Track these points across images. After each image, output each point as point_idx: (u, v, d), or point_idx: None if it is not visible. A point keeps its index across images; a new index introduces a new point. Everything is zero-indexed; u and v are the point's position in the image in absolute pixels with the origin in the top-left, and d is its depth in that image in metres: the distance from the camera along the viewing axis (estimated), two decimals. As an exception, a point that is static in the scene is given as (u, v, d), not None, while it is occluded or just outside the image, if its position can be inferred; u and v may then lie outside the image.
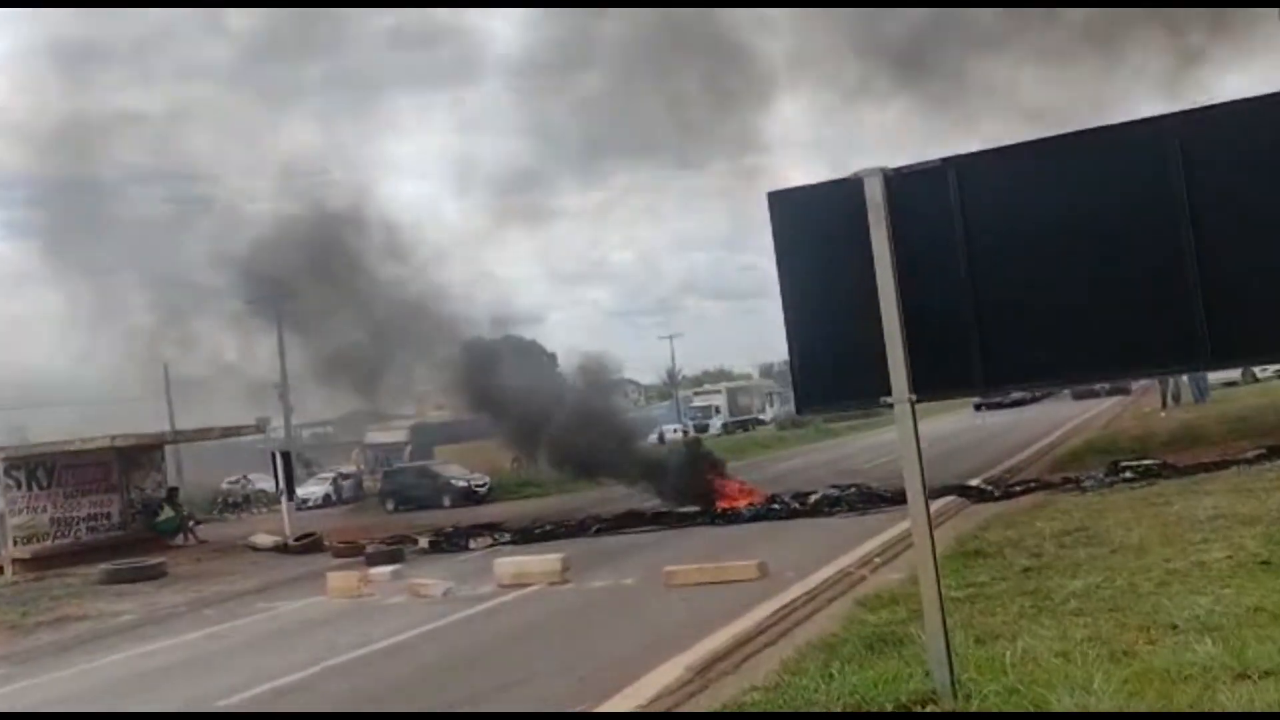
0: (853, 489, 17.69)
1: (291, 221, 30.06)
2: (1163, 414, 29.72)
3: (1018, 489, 16.07)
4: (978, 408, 49.98)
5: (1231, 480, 13.04)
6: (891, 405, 5.87)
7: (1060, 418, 35.04)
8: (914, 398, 5.81)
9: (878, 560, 11.60)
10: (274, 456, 25.65)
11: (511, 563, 13.84)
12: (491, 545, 19.00)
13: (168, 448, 27.98)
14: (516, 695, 8.02)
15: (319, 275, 29.45)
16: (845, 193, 5.94)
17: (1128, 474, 15.16)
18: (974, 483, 17.51)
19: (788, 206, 6.18)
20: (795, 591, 10.17)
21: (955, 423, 43.74)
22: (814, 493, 18.06)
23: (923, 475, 5.90)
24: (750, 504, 17.97)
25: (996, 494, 16.05)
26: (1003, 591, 8.73)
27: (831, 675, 6.65)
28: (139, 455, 24.75)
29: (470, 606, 12.33)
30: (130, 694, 9.95)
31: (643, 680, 7.68)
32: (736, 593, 10.83)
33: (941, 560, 10.76)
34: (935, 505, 15.22)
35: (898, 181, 5.82)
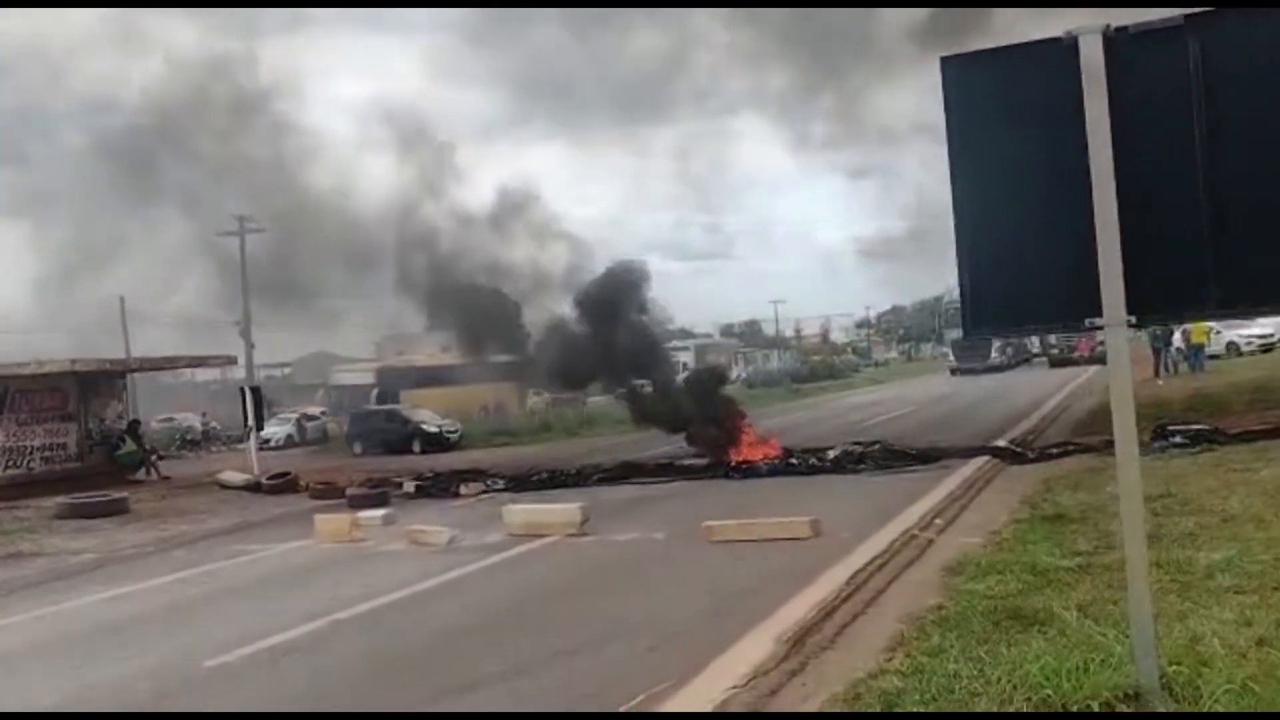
0: (877, 445, 16.65)
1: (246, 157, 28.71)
2: (1160, 383, 29.06)
3: (1054, 451, 15.11)
4: (953, 372, 49.53)
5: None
6: (1099, 328, 4.71)
7: (1050, 384, 34.35)
8: (1132, 319, 4.63)
9: (939, 522, 10.53)
10: (243, 392, 24.35)
11: (524, 510, 12.62)
12: (484, 492, 17.78)
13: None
14: (580, 664, 6.84)
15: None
16: (1045, 59, 4.71)
17: (1178, 439, 14.22)
18: (1001, 443, 16.56)
19: (966, 76, 4.91)
20: (864, 554, 9.07)
21: (938, 385, 43.13)
22: (831, 449, 16.99)
23: (1134, 423, 4.73)
24: (766, 458, 16.84)
25: (1031, 455, 15.10)
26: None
27: (981, 658, 5.57)
28: (99, 383, 23.13)
29: (485, 556, 11.11)
30: (102, 647, 8.64)
31: (729, 654, 6.55)
32: (791, 552, 9.74)
33: (1021, 524, 9.83)
34: (972, 465, 14.28)
35: (1120, 45, 4.59)
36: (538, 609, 8.73)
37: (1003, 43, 5.16)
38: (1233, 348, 37.45)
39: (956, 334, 50.33)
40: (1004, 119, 4.91)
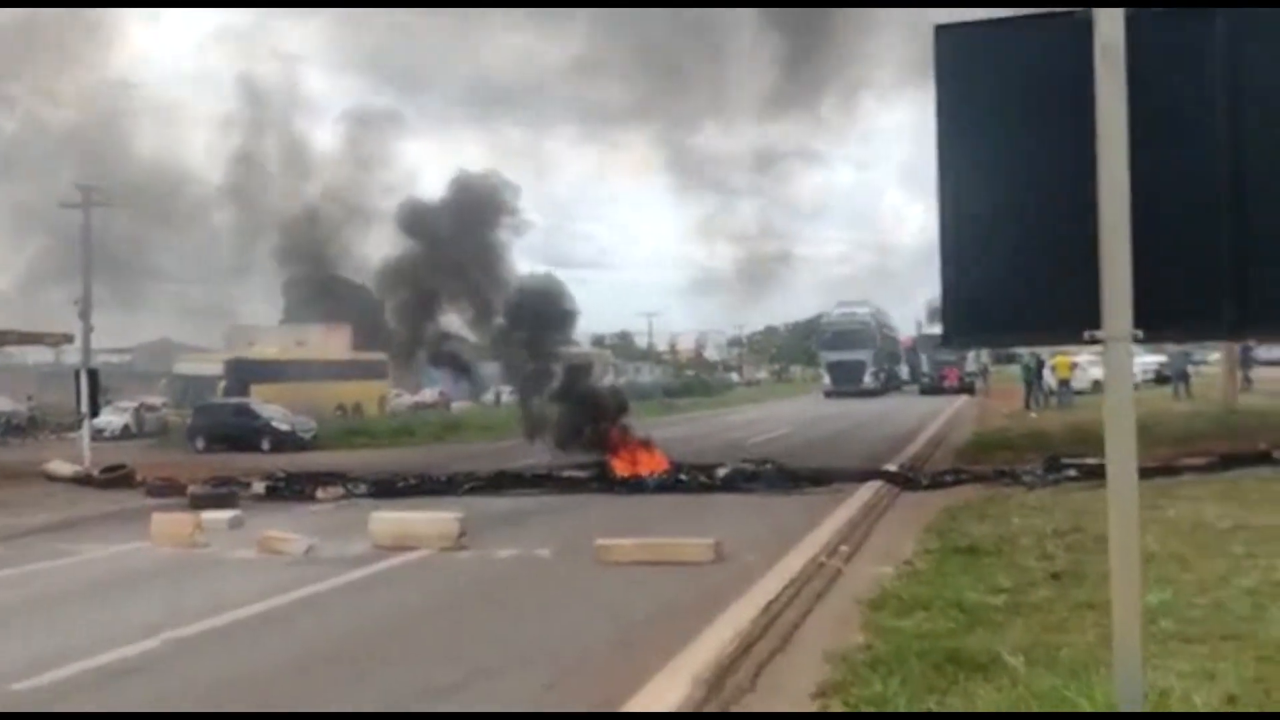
0: (769, 465, 16.10)
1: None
2: (1033, 415, 29.62)
3: (948, 479, 14.83)
4: (828, 394, 49.98)
5: (1209, 487, 12.06)
6: (1098, 341, 4.06)
7: (924, 411, 34.79)
8: (1139, 334, 3.99)
9: (845, 549, 9.94)
10: (77, 375, 22.36)
11: (392, 520, 11.48)
12: (345, 497, 16.50)
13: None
14: (465, 702, 5.89)
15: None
16: (1055, 34, 4.09)
17: (1071, 471, 14.10)
18: (892, 468, 16.24)
19: (963, 49, 4.24)
20: (773, 582, 8.36)
21: (813, 406, 43.34)
22: (722, 466, 16.36)
23: (1133, 454, 4.10)
24: (654, 473, 16.08)
25: (924, 482, 14.78)
26: (1049, 602, 7.19)
27: (931, 709, 4.92)
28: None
29: (348, 570, 9.96)
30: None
31: (642, 695, 5.72)
32: (694, 577, 8.98)
33: (934, 555, 9.31)
34: (868, 489, 13.84)
35: (1138, 26, 3.96)
36: (412, 634, 7.71)
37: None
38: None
39: (832, 355, 50.92)
40: (1004, 102, 4.24)
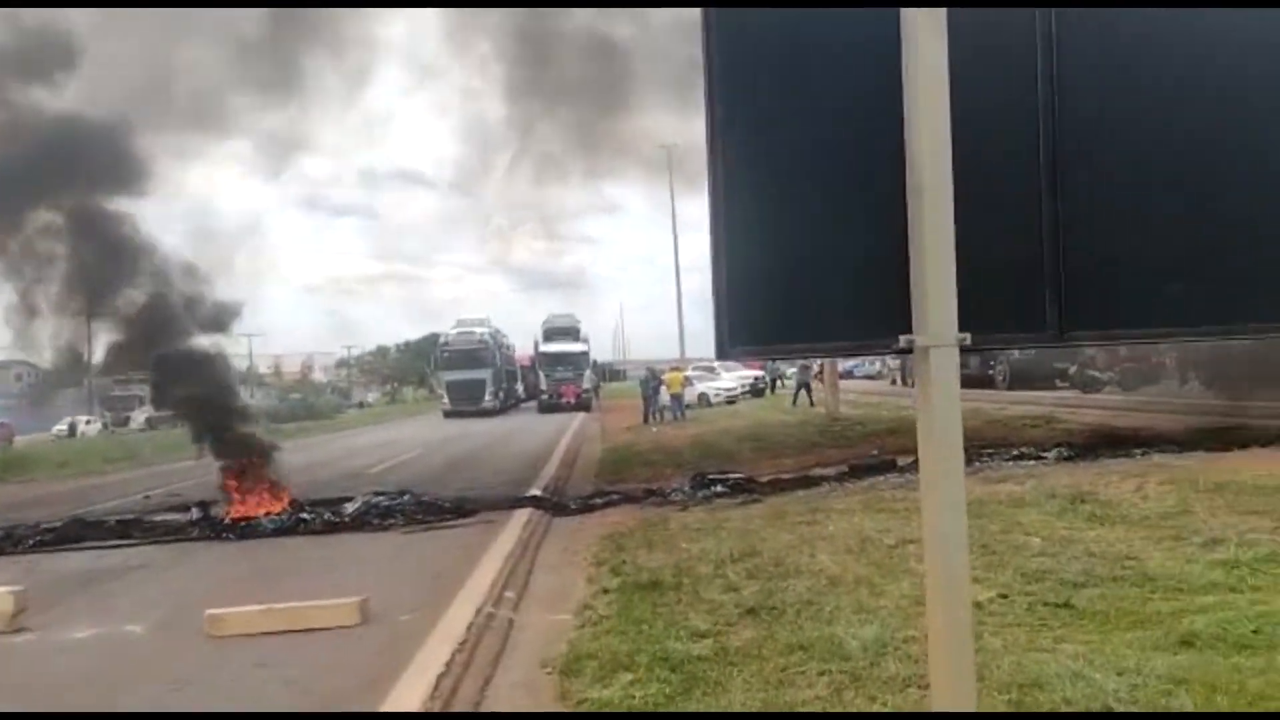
0: (405, 496, 14.47)
1: None
2: (654, 430, 30.17)
3: (598, 501, 14.09)
4: (447, 415, 48.68)
5: (852, 498, 12.14)
6: (906, 352, 3.37)
7: (549, 429, 34.48)
8: (965, 339, 3.29)
9: (511, 595, 8.73)
10: None
11: (-85, 600, 8.64)
12: None
13: None
14: None
15: None
16: (850, 28, 3.33)
17: (718, 488, 13.88)
18: (537, 492, 15.27)
19: (739, 21, 3.36)
20: (439, 648, 6.95)
21: (434, 428, 41.74)
22: (350, 500, 14.50)
23: (960, 471, 3.37)
24: (270, 513, 13.85)
25: (574, 506, 13.93)
26: (757, 645, 6.38)
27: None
28: None
29: None
30: None
31: None
32: (339, 648, 7.35)
33: (613, 594, 8.33)
34: (517, 519, 12.79)
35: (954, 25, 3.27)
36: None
37: None
38: (703, 399, 40.56)
39: (451, 375, 49.58)
40: (790, 81, 3.37)
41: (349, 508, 14.04)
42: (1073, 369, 33.44)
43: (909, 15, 3.11)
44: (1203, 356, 24.83)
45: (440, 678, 6.29)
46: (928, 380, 3.30)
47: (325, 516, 13.71)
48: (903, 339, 3.28)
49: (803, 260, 3.42)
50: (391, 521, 13.27)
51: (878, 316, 3.36)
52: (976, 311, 3.26)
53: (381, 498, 14.39)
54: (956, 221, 3.16)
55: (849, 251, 3.39)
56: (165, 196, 22.81)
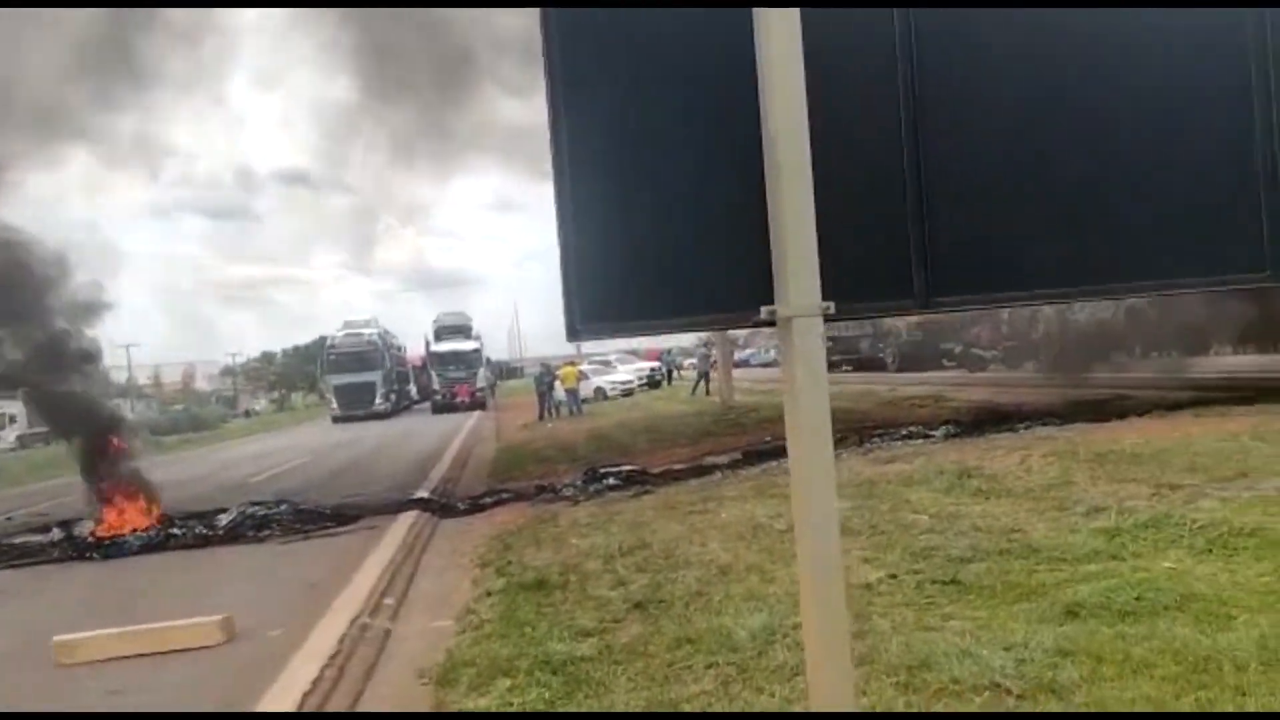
0: (283, 506, 13.82)
1: None
2: (549, 425, 29.79)
3: (487, 500, 13.68)
4: (336, 420, 47.40)
5: (744, 485, 12.02)
6: (768, 324, 3.28)
7: (443, 429, 33.76)
8: (829, 308, 3.20)
9: (390, 602, 8.32)
10: None
11: None
12: None
13: None
14: None
15: None
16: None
17: (611, 480, 13.63)
18: (424, 494, 14.79)
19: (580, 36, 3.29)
20: (307, 663, 6.52)
21: (322, 434, 40.56)
22: (224, 512, 13.79)
23: (830, 454, 3.22)
24: (136, 530, 13.05)
25: (462, 507, 13.51)
26: (644, 641, 6.13)
27: None
28: None
29: None
30: None
31: None
32: (200, 670, 6.86)
33: (498, 596, 7.99)
34: (402, 522, 12.34)
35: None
36: None
37: None
38: (600, 393, 40.30)
39: (339, 379, 48.22)
40: (635, 43, 3.31)
41: (223, 520, 13.35)
42: (959, 349, 34.24)
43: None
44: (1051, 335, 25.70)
45: (306, 695, 5.90)
46: (792, 352, 3.16)
47: (197, 530, 13.00)
48: (764, 310, 3.20)
49: (656, 235, 3.36)
50: (268, 532, 12.64)
51: (739, 289, 3.30)
52: (841, 282, 3.24)
53: (258, 507, 13.72)
54: (818, 195, 3.08)
55: (706, 225, 3.33)
56: (19, 203, 21.45)
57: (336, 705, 5.87)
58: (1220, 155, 3.54)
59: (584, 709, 5.14)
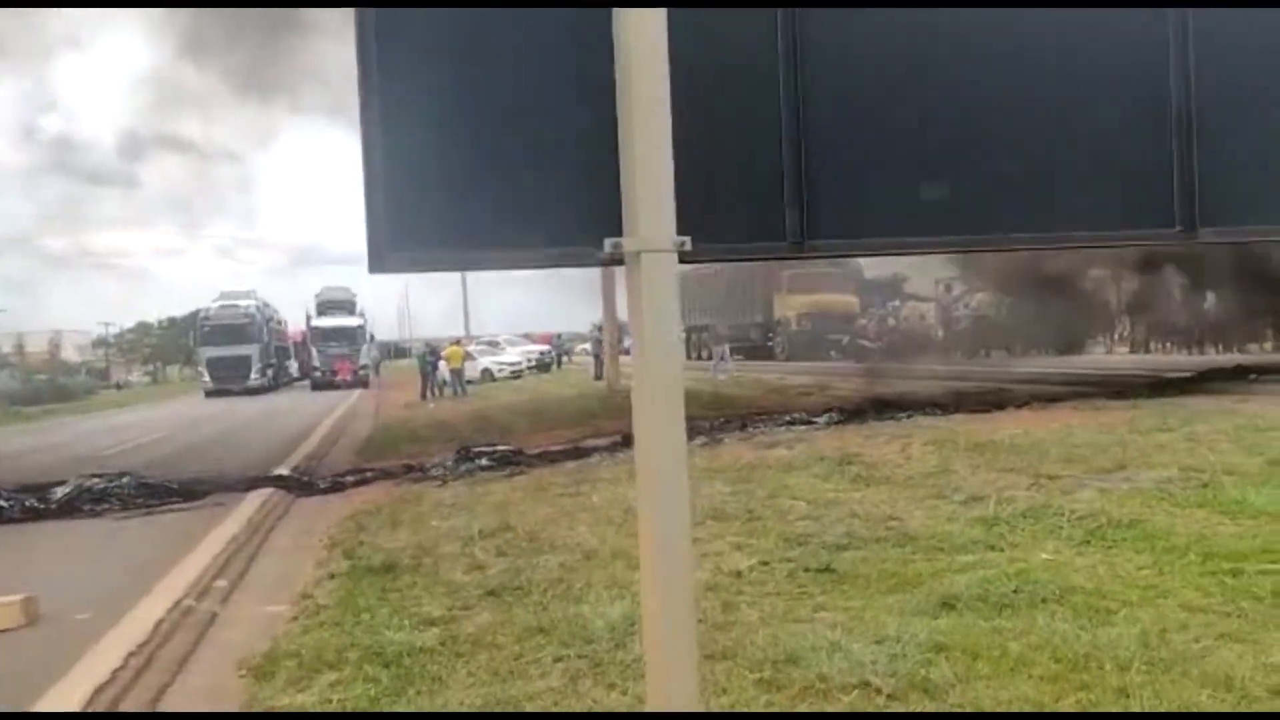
0: (125, 479, 12.80)
1: None
2: (431, 405, 28.92)
3: (350, 479, 12.92)
4: (209, 394, 45.42)
5: (621, 468, 11.51)
6: (617, 261, 2.83)
7: (319, 407, 32.51)
8: (684, 243, 2.75)
9: (223, 584, 7.58)
10: None
11: None
12: None
13: None
14: None
15: None
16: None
17: (484, 460, 13.01)
18: (284, 471, 13.93)
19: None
20: (112, 650, 5.79)
21: (194, 408, 38.74)
22: (60, 485, 12.70)
23: (681, 420, 2.76)
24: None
25: (323, 485, 12.73)
26: (492, 631, 5.59)
27: None
28: None
29: None
30: None
31: None
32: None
33: (340, 580, 7.32)
34: (254, 500, 11.53)
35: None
36: None
37: None
38: (487, 374, 39.45)
39: (212, 351, 46.17)
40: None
41: (58, 493, 12.27)
42: (845, 340, 34.58)
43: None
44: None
45: (102, 687, 5.18)
46: (640, 293, 2.66)
47: (27, 503, 11.92)
48: (608, 242, 2.69)
49: (486, 154, 2.83)
50: (105, 506, 11.66)
51: (583, 222, 2.79)
52: (704, 220, 2.77)
53: (97, 480, 12.67)
54: (680, 122, 2.63)
55: (546, 148, 2.83)
56: None
57: (136, 700, 5.17)
58: (1130, 105, 3.21)
59: (413, 708, 4.58)
